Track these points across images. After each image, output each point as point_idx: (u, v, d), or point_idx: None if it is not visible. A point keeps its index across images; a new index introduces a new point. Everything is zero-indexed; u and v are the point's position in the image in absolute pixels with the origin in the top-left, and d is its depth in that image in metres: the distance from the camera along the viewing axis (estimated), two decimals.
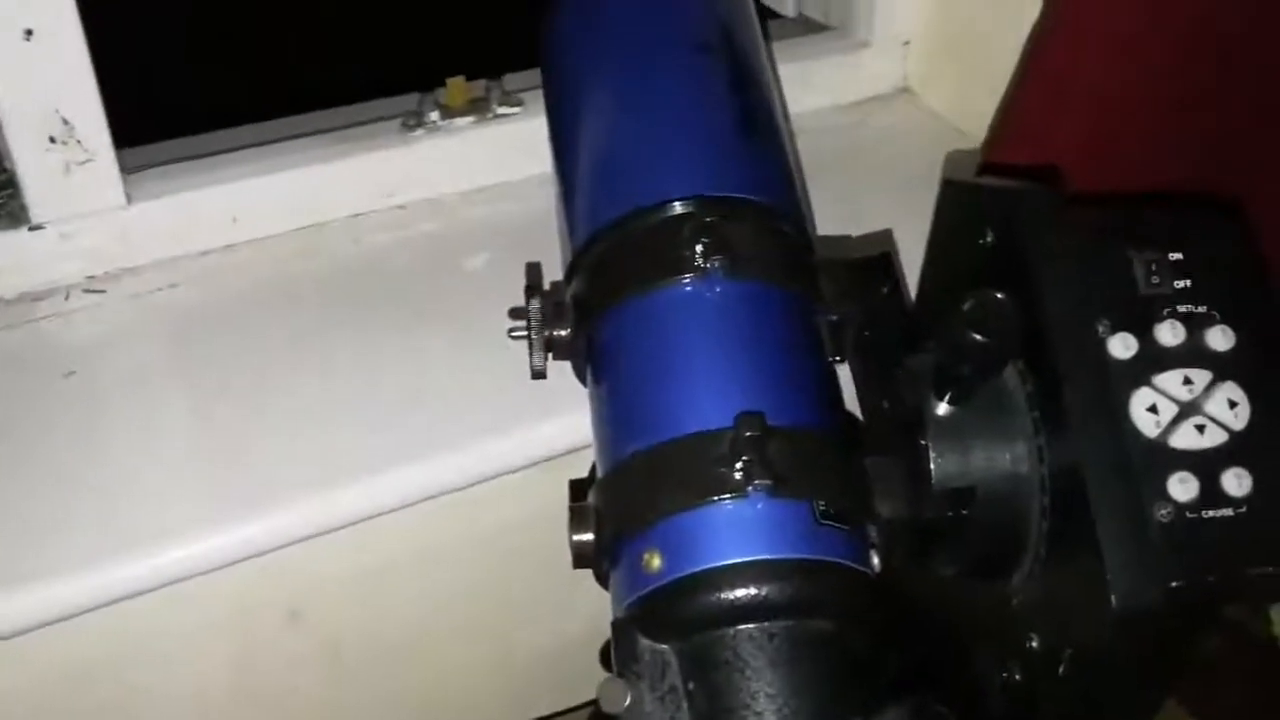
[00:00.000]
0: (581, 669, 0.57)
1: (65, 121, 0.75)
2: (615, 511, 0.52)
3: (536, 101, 0.83)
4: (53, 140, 0.75)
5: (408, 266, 0.84)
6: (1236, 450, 0.47)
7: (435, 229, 0.88)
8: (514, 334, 0.60)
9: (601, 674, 0.49)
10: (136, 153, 0.84)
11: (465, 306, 0.80)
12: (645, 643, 0.48)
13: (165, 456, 0.72)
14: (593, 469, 0.57)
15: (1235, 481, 0.46)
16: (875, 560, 0.51)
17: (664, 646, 0.48)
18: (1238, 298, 0.49)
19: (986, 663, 0.54)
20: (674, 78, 0.62)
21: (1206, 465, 0.46)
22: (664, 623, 0.48)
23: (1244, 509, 0.46)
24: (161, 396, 0.76)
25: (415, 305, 0.81)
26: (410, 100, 0.89)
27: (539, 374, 0.60)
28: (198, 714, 0.83)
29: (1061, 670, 0.49)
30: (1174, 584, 0.45)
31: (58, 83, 0.73)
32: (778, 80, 0.73)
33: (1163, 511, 0.46)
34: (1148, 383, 0.48)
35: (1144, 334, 0.48)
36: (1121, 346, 0.48)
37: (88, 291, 0.81)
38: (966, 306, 0.49)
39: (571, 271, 0.60)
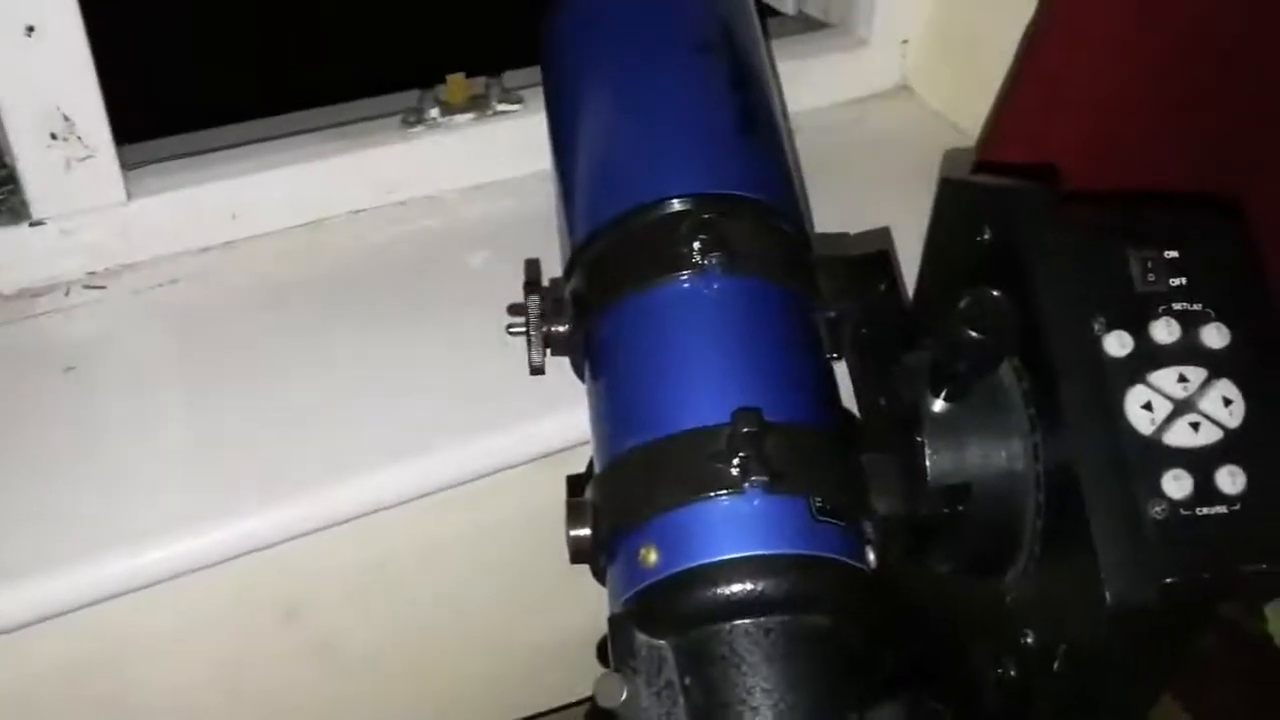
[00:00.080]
0: (580, 664, 0.57)
1: (66, 118, 0.75)
2: (612, 507, 0.52)
3: (536, 99, 0.83)
4: (54, 136, 0.75)
5: (407, 263, 0.84)
6: (1231, 448, 0.47)
7: (435, 225, 0.88)
8: (513, 330, 0.60)
9: (599, 669, 0.50)
10: (137, 149, 0.84)
11: (465, 302, 0.80)
12: (642, 638, 0.49)
13: (165, 452, 0.72)
14: (590, 465, 0.58)
15: (1229, 479, 0.47)
16: (871, 556, 0.51)
17: (661, 641, 0.49)
18: (1233, 296, 0.50)
19: (982, 659, 0.54)
20: (674, 77, 0.63)
21: (1201, 463, 0.47)
22: (660, 618, 0.49)
23: (1238, 506, 0.46)
24: (161, 392, 0.76)
25: (414, 301, 0.81)
26: (410, 97, 0.89)
27: (537, 370, 0.60)
28: (195, 710, 0.83)
29: (1056, 666, 0.49)
30: (1168, 581, 0.45)
31: (59, 79, 0.73)
32: (777, 78, 0.73)
33: (1157, 509, 0.46)
34: (1143, 380, 0.48)
35: (1139, 331, 0.48)
36: (1117, 344, 0.48)
37: (88, 287, 0.81)
38: (963, 304, 0.49)
39: (570, 268, 0.60)
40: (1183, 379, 0.48)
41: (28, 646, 0.68)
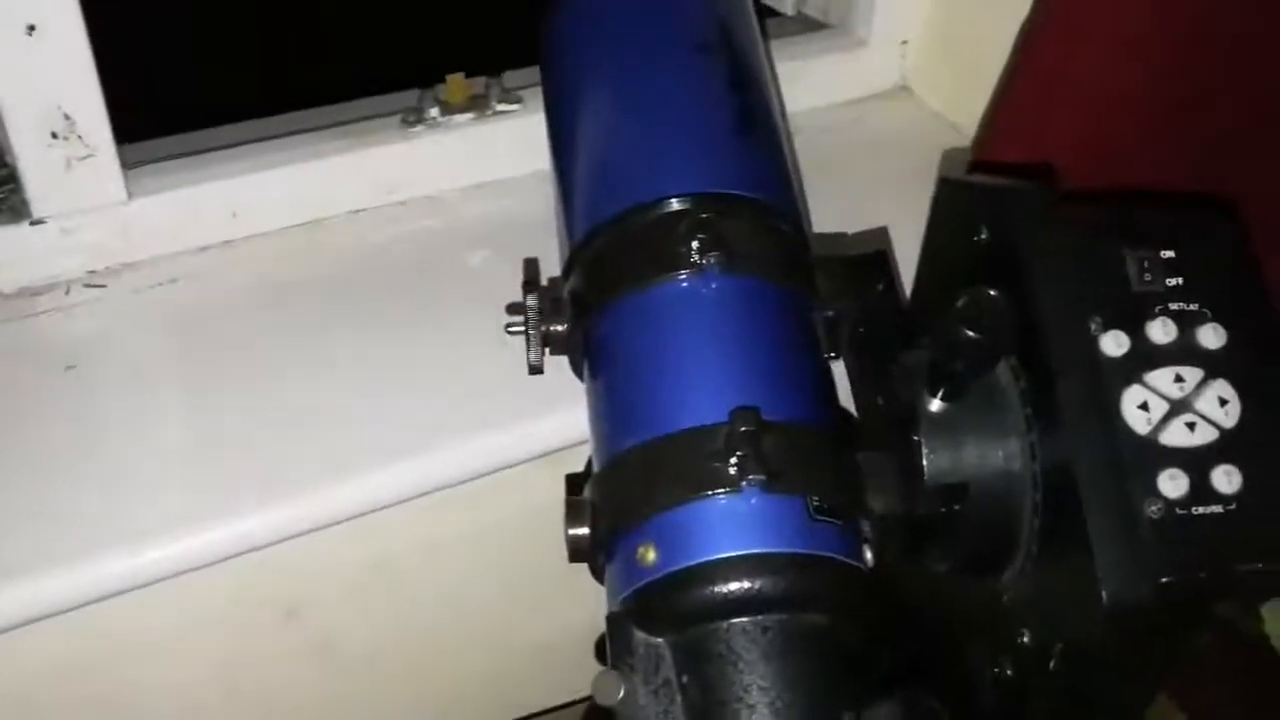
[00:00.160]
0: (579, 663, 0.57)
1: (67, 117, 0.75)
2: (611, 506, 0.52)
3: (536, 98, 0.83)
4: (54, 135, 0.76)
5: (407, 262, 0.85)
6: (1227, 447, 0.47)
7: (434, 225, 0.88)
8: (512, 329, 0.61)
9: (598, 668, 0.50)
10: (137, 148, 0.84)
11: (464, 302, 0.80)
12: (640, 636, 0.49)
13: (164, 451, 0.72)
14: (589, 464, 0.58)
15: (1225, 479, 0.47)
16: (868, 555, 0.51)
17: (658, 640, 0.49)
18: (1229, 296, 0.50)
19: (978, 658, 0.55)
20: (673, 77, 0.63)
21: (1197, 462, 0.47)
22: (658, 616, 0.49)
23: (1234, 506, 0.46)
24: (161, 391, 0.76)
25: (414, 301, 0.81)
26: (410, 97, 0.89)
27: (536, 369, 0.60)
28: (194, 709, 0.84)
29: (1053, 666, 0.49)
30: (1164, 580, 0.45)
31: (59, 78, 0.74)
32: (775, 78, 0.73)
33: (1153, 508, 0.46)
34: (1139, 380, 0.48)
35: (1136, 331, 0.48)
36: (1113, 344, 0.48)
37: (88, 286, 0.81)
38: (960, 303, 0.49)
39: (569, 267, 0.60)
40: (1179, 379, 0.48)
41: (27, 645, 0.68)
